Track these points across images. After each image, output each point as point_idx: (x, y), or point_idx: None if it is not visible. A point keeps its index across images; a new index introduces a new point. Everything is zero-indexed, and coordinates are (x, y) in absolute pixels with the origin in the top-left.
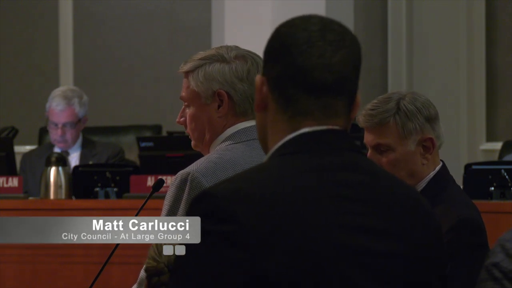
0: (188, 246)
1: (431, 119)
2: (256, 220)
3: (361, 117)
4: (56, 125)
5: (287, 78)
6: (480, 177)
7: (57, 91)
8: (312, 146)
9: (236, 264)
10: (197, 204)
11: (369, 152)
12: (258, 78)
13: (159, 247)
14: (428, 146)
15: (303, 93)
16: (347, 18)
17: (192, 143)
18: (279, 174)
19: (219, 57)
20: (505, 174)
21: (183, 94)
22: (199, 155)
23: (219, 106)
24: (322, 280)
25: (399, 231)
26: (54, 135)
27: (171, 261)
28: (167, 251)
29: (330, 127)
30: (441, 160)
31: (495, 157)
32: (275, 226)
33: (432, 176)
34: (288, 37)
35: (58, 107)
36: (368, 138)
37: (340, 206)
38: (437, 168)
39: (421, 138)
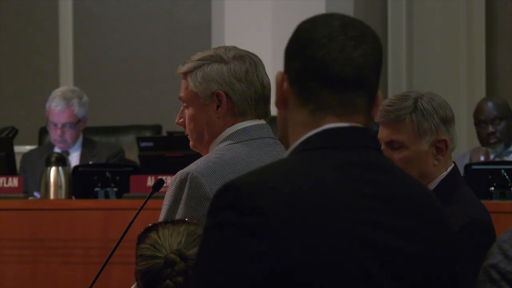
0: (211, 238)
1: (447, 120)
2: (280, 213)
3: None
4: (55, 125)
5: (308, 72)
6: (480, 177)
7: (57, 92)
8: (336, 143)
9: (260, 256)
10: (221, 196)
11: (382, 148)
12: (278, 74)
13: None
14: (441, 147)
15: (324, 87)
16: None
17: (191, 143)
18: (302, 169)
19: (217, 58)
20: (505, 174)
21: (182, 94)
22: (199, 155)
23: (217, 107)
24: (343, 275)
25: (416, 230)
26: (54, 135)
27: (182, 252)
28: None
29: (352, 124)
30: (453, 162)
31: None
32: (298, 220)
33: (443, 177)
34: (309, 32)
35: (58, 107)
36: (382, 133)
37: (362, 203)
38: (449, 169)
39: (435, 139)
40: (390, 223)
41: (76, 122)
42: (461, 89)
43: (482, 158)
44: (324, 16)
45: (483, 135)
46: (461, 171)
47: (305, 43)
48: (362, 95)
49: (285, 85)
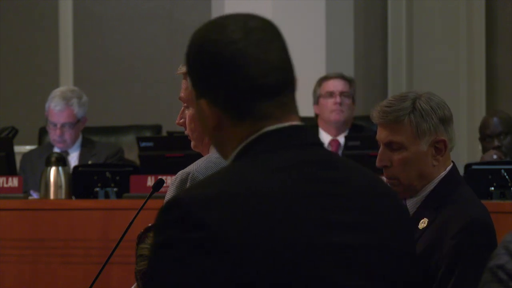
0: (160, 256)
1: (445, 120)
2: (227, 225)
3: (375, 113)
4: (55, 125)
5: (237, 94)
6: (480, 177)
7: (56, 92)
8: (278, 143)
9: (209, 271)
10: (165, 212)
11: (380, 149)
12: (203, 103)
13: None
14: (440, 148)
15: (255, 101)
16: (347, 18)
17: (192, 143)
18: (247, 174)
19: None
20: (505, 174)
21: (182, 95)
22: (199, 155)
23: None
24: (301, 280)
25: (374, 224)
26: (53, 135)
27: None
28: None
29: (291, 123)
30: (452, 161)
31: None
32: (248, 229)
33: (442, 177)
34: (217, 56)
35: (57, 107)
36: (381, 134)
37: (314, 203)
38: (448, 169)
39: (434, 139)
40: (344, 220)
41: (75, 122)
42: (461, 89)
43: (495, 157)
44: (220, 32)
45: (488, 149)
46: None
47: (221, 66)
48: (290, 92)
49: (215, 111)
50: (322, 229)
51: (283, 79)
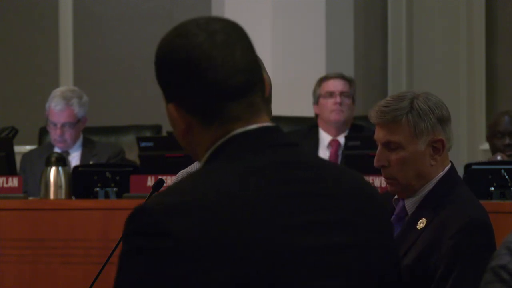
0: (127, 265)
1: (443, 120)
2: (191, 233)
3: (373, 113)
4: (55, 125)
5: (204, 98)
6: (480, 177)
7: (56, 91)
8: (247, 145)
9: (174, 282)
10: (131, 220)
11: (378, 149)
12: (171, 108)
13: None
14: (438, 147)
15: (223, 102)
16: (347, 18)
17: None
18: (216, 179)
19: None
20: (505, 174)
21: None
22: None
23: None
24: (269, 285)
25: (347, 223)
26: (54, 135)
27: None
28: None
29: (260, 124)
30: (450, 161)
31: None
32: (214, 235)
33: (440, 177)
34: (182, 62)
35: (57, 107)
36: (379, 134)
37: (282, 205)
38: (446, 169)
39: (432, 139)
40: (314, 221)
41: (75, 122)
42: (461, 89)
43: (498, 158)
44: (182, 37)
45: (498, 146)
46: (461, 172)
47: (184, 74)
48: (257, 92)
49: (183, 115)
50: (287, 231)
51: (249, 80)
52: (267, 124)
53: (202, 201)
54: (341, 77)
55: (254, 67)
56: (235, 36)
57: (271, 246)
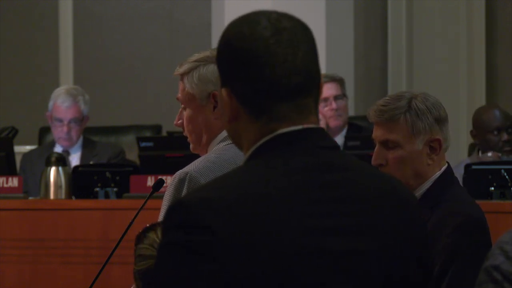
0: (164, 257)
1: (440, 120)
2: (229, 229)
3: (371, 112)
4: (61, 121)
5: (256, 92)
6: (480, 177)
7: (61, 89)
8: (288, 147)
9: (211, 276)
10: (171, 214)
11: (376, 148)
12: (224, 92)
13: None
14: (435, 147)
15: (275, 101)
16: (347, 18)
17: (191, 146)
18: (253, 178)
19: (214, 59)
20: (505, 174)
21: (179, 96)
22: (199, 156)
23: (214, 108)
24: (292, 286)
25: (373, 228)
26: (60, 132)
27: None
28: None
29: (305, 126)
30: (447, 162)
31: None
32: (248, 233)
33: (437, 176)
34: (244, 52)
35: (65, 103)
36: (377, 133)
37: (312, 208)
38: (443, 169)
39: (429, 138)
40: (342, 226)
41: (81, 119)
42: (461, 89)
43: (489, 154)
44: (251, 28)
45: (495, 142)
46: (461, 172)
47: (244, 64)
48: (311, 96)
49: (234, 102)
50: (316, 236)
51: (305, 82)
52: (312, 125)
53: (240, 198)
54: (332, 79)
55: (314, 70)
56: (301, 37)
57: (298, 249)
